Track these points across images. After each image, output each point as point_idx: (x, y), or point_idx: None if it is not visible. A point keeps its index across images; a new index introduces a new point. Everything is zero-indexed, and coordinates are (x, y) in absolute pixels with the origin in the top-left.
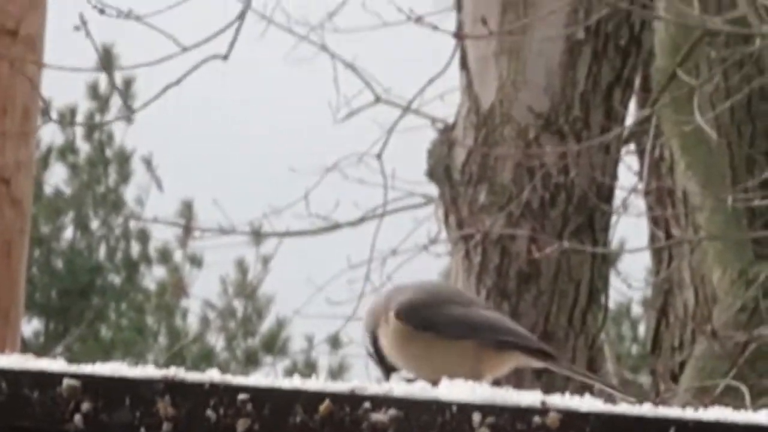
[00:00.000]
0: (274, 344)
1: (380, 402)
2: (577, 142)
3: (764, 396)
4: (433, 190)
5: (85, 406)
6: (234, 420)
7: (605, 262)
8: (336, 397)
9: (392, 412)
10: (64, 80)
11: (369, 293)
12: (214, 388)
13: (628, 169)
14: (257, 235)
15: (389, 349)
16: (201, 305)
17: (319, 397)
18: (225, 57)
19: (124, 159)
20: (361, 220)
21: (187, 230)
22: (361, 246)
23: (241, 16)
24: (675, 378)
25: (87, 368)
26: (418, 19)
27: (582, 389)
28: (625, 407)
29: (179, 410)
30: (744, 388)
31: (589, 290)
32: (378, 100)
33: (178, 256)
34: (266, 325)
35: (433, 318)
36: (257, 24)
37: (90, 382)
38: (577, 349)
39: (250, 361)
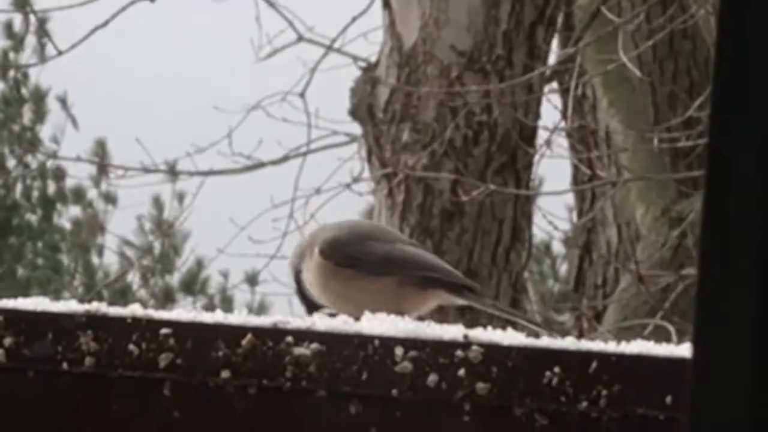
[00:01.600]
0: (193, 284)
1: (302, 336)
2: (500, 80)
3: (688, 335)
4: (356, 128)
5: (8, 341)
6: (156, 354)
7: (528, 200)
8: (258, 331)
9: (315, 346)
10: None
11: (292, 232)
12: (136, 322)
13: (554, 108)
14: (180, 174)
15: (312, 285)
16: (118, 244)
17: (241, 331)
18: None
19: (39, 98)
20: (285, 158)
21: (102, 168)
22: (284, 185)
23: None
24: (598, 316)
25: (9, 303)
26: None
27: (506, 324)
28: (547, 341)
29: (101, 345)
30: (671, 328)
31: (513, 228)
32: (300, 38)
33: (93, 194)
34: (185, 266)
35: (355, 254)
36: None
37: (12, 317)
38: (500, 288)
39: (168, 299)
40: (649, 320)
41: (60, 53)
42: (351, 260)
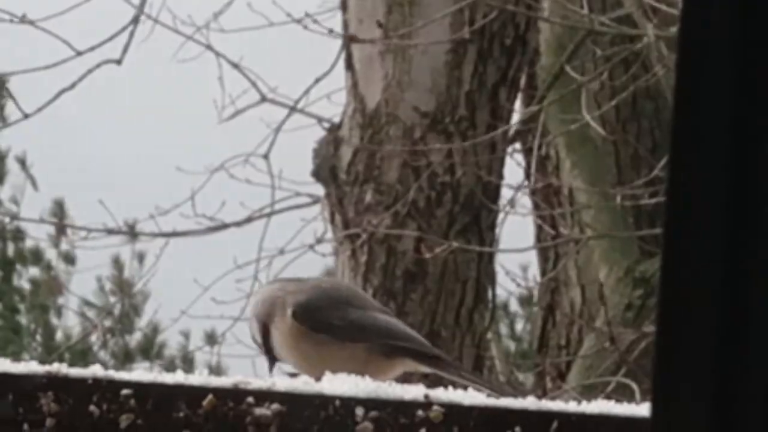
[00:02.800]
0: (150, 349)
1: (263, 396)
2: (463, 141)
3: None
4: (320, 189)
5: None
6: (117, 415)
7: (492, 260)
8: (219, 392)
9: (275, 406)
10: None
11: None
12: (97, 383)
13: (517, 165)
14: (143, 236)
15: (282, 346)
16: (78, 304)
17: (202, 391)
18: (119, 62)
19: None
20: (248, 220)
21: (61, 229)
22: (248, 246)
23: (135, 21)
24: (562, 376)
25: None
26: (304, 20)
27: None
28: (508, 401)
29: (62, 406)
30: (634, 386)
31: (476, 289)
32: (264, 99)
33: (52, 255)
34: (147, 327)
35: (327, 320)
36: (143, 25)
37: None
38: (464, 348)
39: (128, 360)
40: (611, 378)
41: (26, 116)
42: (323, 325)
